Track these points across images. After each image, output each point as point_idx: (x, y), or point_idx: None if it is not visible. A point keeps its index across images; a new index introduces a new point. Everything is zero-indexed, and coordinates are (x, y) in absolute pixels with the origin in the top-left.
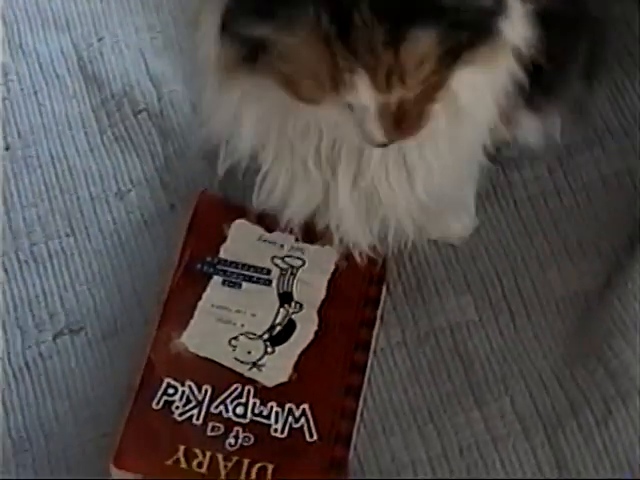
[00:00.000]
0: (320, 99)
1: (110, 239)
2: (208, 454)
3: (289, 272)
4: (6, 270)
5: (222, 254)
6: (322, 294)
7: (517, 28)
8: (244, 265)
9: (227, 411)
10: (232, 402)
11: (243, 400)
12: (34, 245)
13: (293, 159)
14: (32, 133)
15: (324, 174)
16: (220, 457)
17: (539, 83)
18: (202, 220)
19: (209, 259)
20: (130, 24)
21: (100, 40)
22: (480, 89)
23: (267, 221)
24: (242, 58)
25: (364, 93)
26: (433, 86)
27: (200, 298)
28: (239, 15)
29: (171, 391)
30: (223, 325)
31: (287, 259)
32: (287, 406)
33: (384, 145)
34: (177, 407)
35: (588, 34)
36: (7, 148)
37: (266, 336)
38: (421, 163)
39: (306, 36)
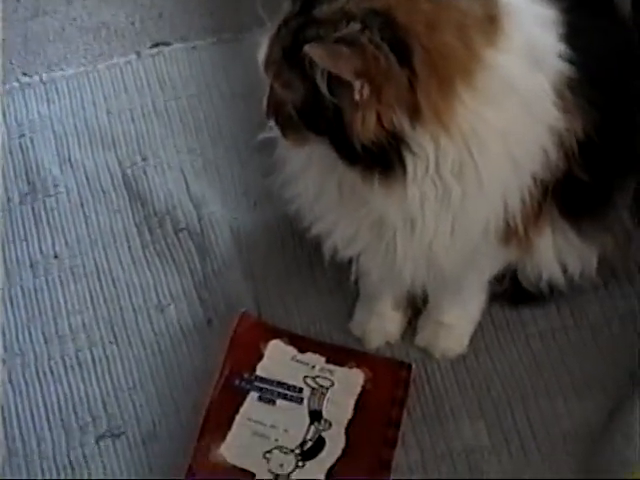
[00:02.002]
0: None
1: (150, 348)
2: None
3: (319, 392)
4: (52, 373)
5: (259, 371)
6: (349, 414)
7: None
8: (278, 383)
9: None
10: None
11: None
12: (79, 351)
13: (324, 181)
14: (79, 244)
15: (344, 205)
16: None
17: (585, 203)
18: (241, 339)
19: (247, 375)
20: (172, 145)
21: (144, 160)
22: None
23: (300, 342)
24: None
25: (260, 57)
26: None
27: (237, 412)
28: None
29: None
30: (258, 438)
31: (318, 379)
32: None
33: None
34: None
35: (636, 172)
36: (55, 256)
37: (297, 451)
38: (419, 222)
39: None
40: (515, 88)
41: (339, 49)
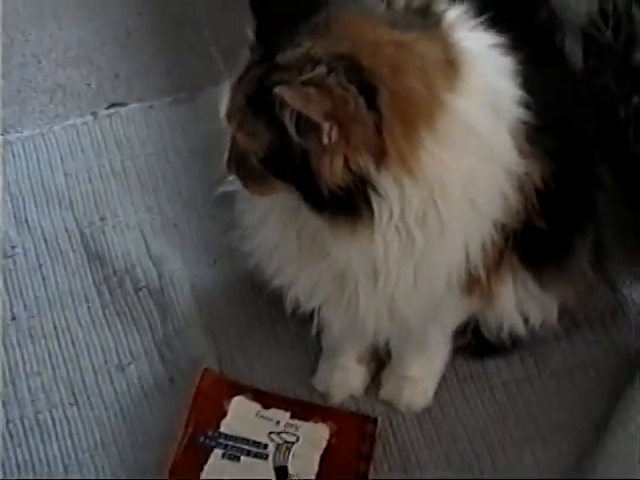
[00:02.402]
0: None
1: (112, 409)
2: None
3: (284, 447)
4: (11, 435)
5: (222, 428)
6: (315, 468)
7: None
8: (243, 439)
9: None
10: None
11: None
12: (38, 413)
13: (284, 232)
14: (37, 305)
15: (304, 257)
16: None
17: (545, 252)
18: (204, 396)
19: (210, 433)
20: (130, 204)
21: (102, 219)
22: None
23: (264, 398)
24: None
25: (222, 109)
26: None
27: (202, 470)
28: None
29: None
30: None
31: (282, 435)
32: None
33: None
34: None
35: (594, 221)
36: (13, 318)
37: None
38: (383, 273)
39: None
40: (475, 132)
41: (308, 91)
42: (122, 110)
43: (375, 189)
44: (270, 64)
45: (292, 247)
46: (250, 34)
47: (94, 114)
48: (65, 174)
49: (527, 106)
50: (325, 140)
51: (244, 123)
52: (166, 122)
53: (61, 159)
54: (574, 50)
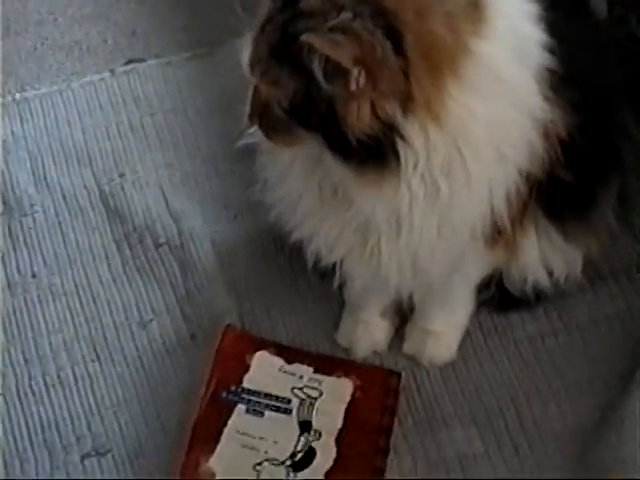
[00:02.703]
0: None
1: (133, 365)
2: None
3: (308, 402)
4: (34, 393)
5: (245, 384)
6: (339, 423)
7: None
8: (266, 394)
9: None
10: None
11: None
12: (61, 370)
13: (306, 184)
14: (57, 262)
15: (325, 210)
16: None
17: (569, 204)
18: (226, 352)
19: (233, 388)
20: (149, 161)
21: (121, 176)
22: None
23: (286, 353)
24: None
25: (244, 59)
26: (284, 126)
27: (225, 425)
28: None
29: None
30: (248, 451)
31: (306, 389)
32: None
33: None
34: None
35: (619, 172)
36: (34, 276)
37: (288, 462)
38: (406, 223)
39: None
40: (500, 77)
41: (337, 37)
42: (140, 66)
43: (402, 136)
44: (293, 11)
45: (314, 199)
46: None
47: (112, 71)
48: (83, 131)
49: (552, 53)
50: (353, 86)
51: (268, 72)
52: (184, 78)
53: (79, 116)
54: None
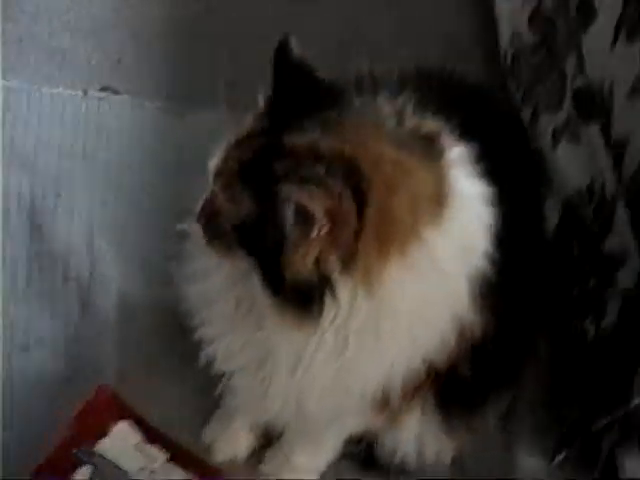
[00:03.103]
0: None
1: (4, 384)
2: None
3: None
4: None
5: (98, 447)
6: None
7: None
8: (115, 466)
9: None
10: None
11: None
12: None
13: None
14: None
15: (237, 320)
16: None
17: (460, 398)
18: (92, 410)
19: (85, 447)
20: (89, 192)
21: (57, 196)
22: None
23: (148, 431)
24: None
25: (211, 165)
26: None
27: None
28: None
29: None
30: None
31: (154, 475)
32: None
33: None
34: None
35: (515, 386)
36: None
37: None
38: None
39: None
40: (439, 269)
41: (313, 188)
42: (113, 97)
43: (333, 290)
44: (274, 140)
45: (228, 308)
46: (260, 99)
47: (85, 91)
48: (37, 138)
49: (492, 261)
50: (314, 234)
51: (229, 187)
52: (150, 126)
53: (38, 122)
54: (552, 215)
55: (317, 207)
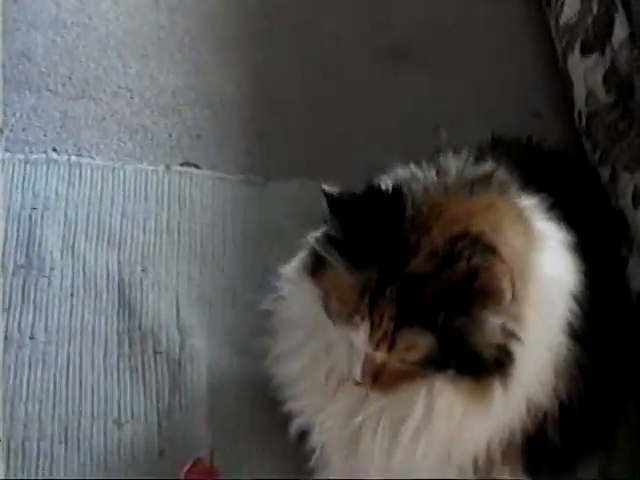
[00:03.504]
0: (336, 321)
1: (97, 460)
2: None
3: None
4: None
5: None
6: None
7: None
8: None
9: None
10: None
11: None
12: (27, 439)
13: (315, 364)
14: (57, 332)
15: (327, 394)
16: None
17: (548, 464)
18: None
19: None
20: (173, 266)
21: (144, 271)
22: (456, 410)
23: None
24: (309, 268)
25: (360, 338)
26: (413, 372)
27: None
28: (326, 237)
29: None
30: None
31: None
32: None
33: (359, 384)
34: None
35: (607, 448)
36: (31, 337)
37: None
38: (407, 439)
39: (354, 277)
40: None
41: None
42: (194, 172)
43: (511, 357)
44: (400, 275)
45: (318, 382)
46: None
47: (167, 166)
48: (122, 215)
49: (577, 328)
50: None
51: (400, 341)
52: (232, 199)
53: (123, 198)
54: (635, 275)
55: (506, 283)
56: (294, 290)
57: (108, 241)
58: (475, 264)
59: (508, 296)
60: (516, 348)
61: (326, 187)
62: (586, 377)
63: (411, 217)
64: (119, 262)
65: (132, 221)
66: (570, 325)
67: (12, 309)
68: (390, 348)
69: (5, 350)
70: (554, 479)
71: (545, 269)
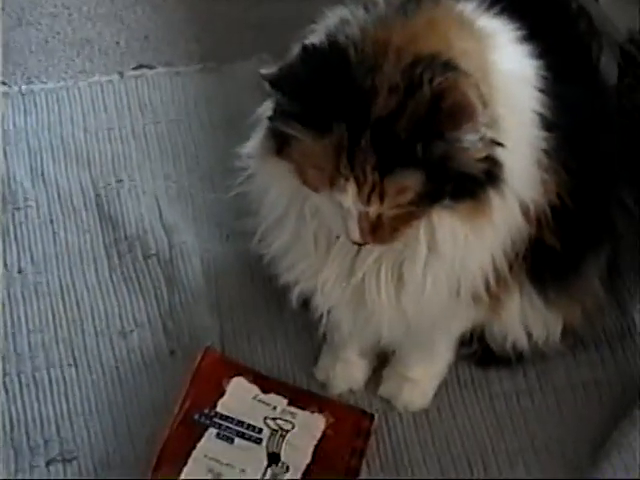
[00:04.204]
0: (319, 189)
1: (109, 375)
2: None
3: (279, 434)
4: (7, 391)
5: (219, 408)
6: (308, 459)
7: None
8: (238, 422)
9: None
10: None
11: None
12: (36, 370)
13: (301, 232)
14: (45, 261)
15: (319, 258)
16: None
17: (553, 270)
18: (204, 374)
19: (206, 411)
20: (147, 170)
21: (119, 182)
22: (459, 236)
23: (263, 382)
24: (273, 149)
25: (349, 198)
26: (409, 213)
27: (194, 447)
28: (280, 115)
29: None
30: (213, 477)
31: (278, 421)
32: None
33: (360, 244)
34: None
35: (610, 242)
36: (19, 271)
37: None
38: (413, 278)
39: (324, 142)
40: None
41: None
42: (148, 73)
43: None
44: (369, 123)
45: (308, 247)
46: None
47: (120, 74)
48: (85, 131)
49: (550, 119)
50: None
51: (389, 188)
52: (191, 90)
53: (83, 116)
54: (609, 66)
55: (473, 96)
56: (261, 166)
57: (77, 161)
58: (439, 86)
59: (479, 108)
60: (500, 153)
61: (263, 70)
62: (571, 171)
63: (358, 62)
64: (92, 178)
65: (96, 135)
66: (543, 117)
67: None
68: (382, 198)
69: None
70: (561, 285)
71: (504, 65)
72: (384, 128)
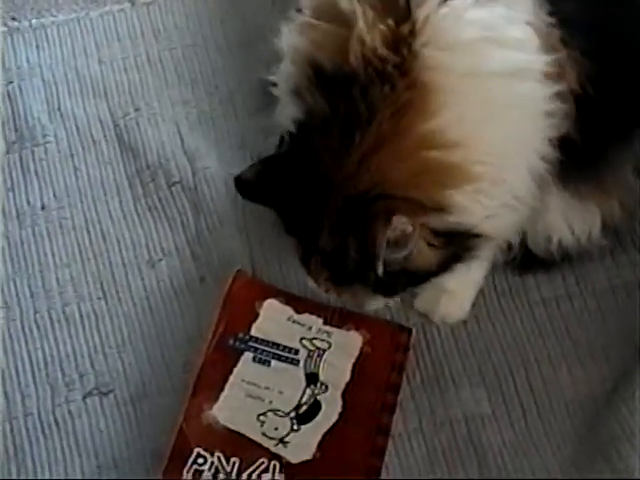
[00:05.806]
0: None
1: (140, 305)
2: None
3: (316, 354)
4: (38, 328)
5: (253, 331)
6: (347, 377)
7: None
8: (274, 344)
9: None
10: (258, 476)
11: (269, 475)
12: (66, 305)
13: None
14: (67, 195)
15: None
16: None
17: (578, 168)
18: (236, 298)
19: (241, 335)
20: (166, 97)
21: (137, 110)
22: None
23: (296, 303)
24: None
25: (309, 282)
26: None
27: (231, 372)
28: None
29: (201, 461)
30: (252, 400)
31: (315, 341)
32: None
33: None
34: (206, 477)
35: (631, 137)
36: (43, 208)
37: (293, 414)
38: None
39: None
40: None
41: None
42: None
43: None
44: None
45: None
46: None
47: (132, 1)
48: (100, 62)
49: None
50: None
51: (344, 291)
52: (205, 12)
53: (96, 46)
54: None
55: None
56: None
57: (93, 92)
58: (374, 231)
59: (416, 232)
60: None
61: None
62: (592, 57)
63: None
64: (110, 109)
65: (111, 65)
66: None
67: (16, 186)
68: (338, 294)
69: (21, 227)
70: (590, 177)
71: None
72: (332, 257)
